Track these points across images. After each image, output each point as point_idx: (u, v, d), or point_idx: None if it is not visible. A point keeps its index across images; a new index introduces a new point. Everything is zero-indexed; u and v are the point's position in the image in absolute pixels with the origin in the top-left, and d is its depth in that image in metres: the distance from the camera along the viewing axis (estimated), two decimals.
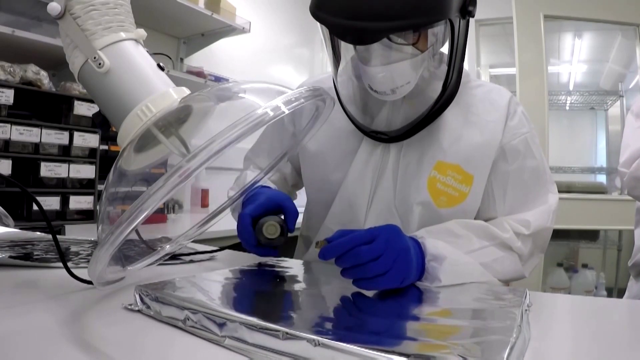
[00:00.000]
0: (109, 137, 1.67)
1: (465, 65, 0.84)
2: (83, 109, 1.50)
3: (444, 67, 0.79)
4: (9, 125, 1.33)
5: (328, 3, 0.69)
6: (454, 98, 0.84)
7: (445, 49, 0.79)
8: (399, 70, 0.74)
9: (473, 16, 0.76)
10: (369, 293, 0.63)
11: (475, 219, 0.87)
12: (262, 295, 0.61)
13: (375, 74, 0.75)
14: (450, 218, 0.81)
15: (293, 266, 0.80)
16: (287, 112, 0.46)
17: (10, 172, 1.34)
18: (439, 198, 0.83)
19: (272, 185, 0.96)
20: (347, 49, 0.79)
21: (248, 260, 0.87)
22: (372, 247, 0.61)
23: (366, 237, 0.62)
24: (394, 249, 0.62)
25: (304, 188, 1.04)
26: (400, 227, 0.80)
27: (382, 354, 0.39)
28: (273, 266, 0.78)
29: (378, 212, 0.86)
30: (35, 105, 1.48)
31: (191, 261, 0.87)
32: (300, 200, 1.09)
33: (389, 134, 0.84)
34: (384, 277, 0.61)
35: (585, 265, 2.75)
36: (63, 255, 0.63)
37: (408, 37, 0.73)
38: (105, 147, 1.65)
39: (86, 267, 0.49)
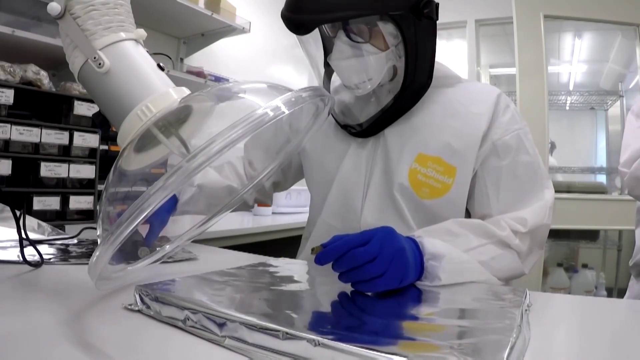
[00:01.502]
0: (109, 137, 1.67)
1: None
2: (83, 109, 1.50)
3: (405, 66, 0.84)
4: (9, 125, 1.33)
5: (287, 2, 0.79)
6: (423, 96, 0.87)
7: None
8: (357, 65, 0.81)
9: (432, 19, 0.81)
10: (369, 293, 0.62)
11: (470, 216, 0.88)
12: (262, 295, 0.61)
13: (338, 68, 0.84)
14: (437, 209, 0.84)
15: (293, 266, 0.80)
16: (287, 112, 0.46)
17: (10, 172, 1.34)
18: (421, 189, 0.85)
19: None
20: (319, 48, 0.88)
21: (247, 260, 0.87)
22: (367, 248, 0.61)
23: (361, 240, 0.62)
24: (390, 249, 0.62)
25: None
26: (396, 218, 0.82)
27: (382, 354, 0.39)
28: (273, 266, 0.78)
29: (374, 202, 0.88)
30: (35, 105, 1.47)
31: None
32: (299, 201, 1.10)
33: (356, 127, 0.89)
34: (381, 278, 0.61)
35: (585, 265, 2.75)
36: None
37: (362, 34, 0.80)
38: (105, 147, 1.65)
39: (85, 265, 0.48)
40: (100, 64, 0.56)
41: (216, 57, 2.51)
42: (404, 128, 0.88)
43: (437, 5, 0.82)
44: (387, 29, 0.80)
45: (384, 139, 0.89)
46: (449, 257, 0.69)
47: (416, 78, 0.83)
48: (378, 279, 0.60)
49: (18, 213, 0.75)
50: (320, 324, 0.49)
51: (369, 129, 0.88)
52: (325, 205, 0.93)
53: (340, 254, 0.61)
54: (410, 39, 0.79)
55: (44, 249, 0.86)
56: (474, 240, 0.77)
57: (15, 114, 1.37)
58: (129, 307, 0.55)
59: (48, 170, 1.42)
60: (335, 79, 0.91)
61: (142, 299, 0.55)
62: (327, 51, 0.88)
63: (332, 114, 0.91)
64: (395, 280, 0.62)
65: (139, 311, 0.55)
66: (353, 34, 0.80)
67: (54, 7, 0.56)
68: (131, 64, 0.58)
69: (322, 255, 0.62)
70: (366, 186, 0.89)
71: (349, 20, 0.78)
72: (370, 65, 0.81)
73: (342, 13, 0.75)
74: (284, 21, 0.80)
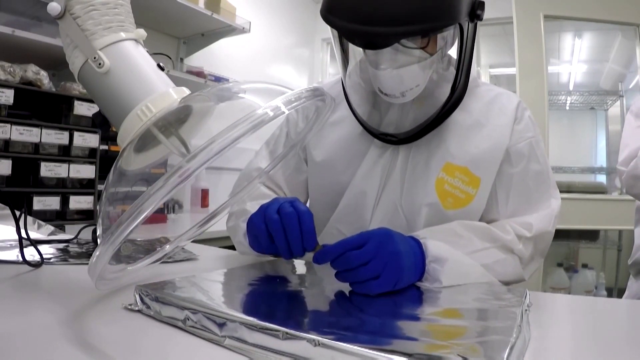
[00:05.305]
0: (109, 137, 1.67)
1: (473, 69, 0.85)
2: (83, 109, 1.50)
3: (452, 70, 0.81)
4: (9, 125, 1.33)
5: (340, 7, 0.70)
6: (462, 100, 0.85)
7: (453, 51, 0.81)
8: (408, 73, 0.75)
9: (481, 20, 0.77)
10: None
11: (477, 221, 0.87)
12: (262, 295, 0.61)
13: (385, 78, 0.76)
14: (456, 219, 0.81)
15: (293, 266, 0.80)
16: (287, 112, 0.46)
17: (10, 172, 1.34)
18: (446, 199, 0.83)
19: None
20: (358, 53, 0.81)
21: (246, 260, 0.87)
22: (362, 252, 0.61)
23: (357, 242, 0.62)
24: (384, 253, 0.62)
25: None
26: (405, 228, 0.80)
27: (382, 354, 0.39)
28: (273, 266, 0.78)
29: (384, 211, 0.86)
30: (35, 105, 1.48)
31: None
32: None
33: (397, 136, 0.84)
34: (375, 281, 0.61)
35: (585, 265, 2.75)
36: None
37: (418, 41, 0.74)
38: (105, 147, 1.65)
39: (84, 265, 0.48)
40: (100, 64, 0.56)
41: (216, 57, 2.51)
42: (432, 136, 0.85)
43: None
44: (444, 34, 0.75)
45: (407, 147, 0.86)
46: (452, 261, 0.69)
47: (461, 81, 0.81)
48: (372, 281, 0.61)
49: (18, 213, 0.75)
50: (320, 323, 0.49)
51: (413, 136, 0.84)
52: (335, 213, 0.91)
53: (336, 255, 0.62)
54: (465, 43, 0.76)
55: (44, 249, 0.86)
56: (478, 243, 0.76)
57: (15, 114, 1.37)
58: (129, 307, 0.55)
59: (48, 170, 1.43)
60: (356, 86, 0.86)
61: (142, 299, 0.55)
62: (346, 54, 0.82)
63: (362, 124, 0.86)
64: (389, 283, 0.62)
65: (139, 311, 0.55)
66: (405, 40, 0.73)
67: (54, 7, 0.56)
68: (131, 64, 0.58)
69: (320, 255, 0.63)
70: (378, 197, 0.87)
71: (432, 31, 0.71)
72: (422, 71, 0.76)
73: (426, 25, 0.68)
74: (345, 33, 0.72)
